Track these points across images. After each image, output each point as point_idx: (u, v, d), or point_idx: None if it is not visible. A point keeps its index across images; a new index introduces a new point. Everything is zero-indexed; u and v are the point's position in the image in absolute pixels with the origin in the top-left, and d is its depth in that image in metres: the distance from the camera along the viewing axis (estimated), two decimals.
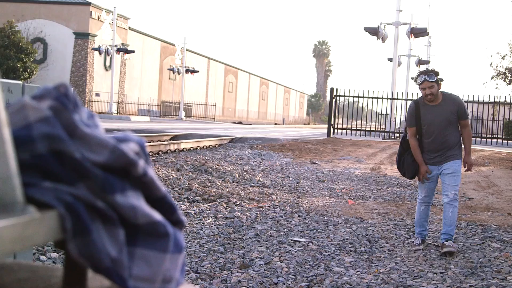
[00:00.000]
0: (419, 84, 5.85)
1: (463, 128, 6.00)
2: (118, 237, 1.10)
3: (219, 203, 7.79)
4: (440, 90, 5.95)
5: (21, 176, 0.99)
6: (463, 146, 6.09)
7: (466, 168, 6.07)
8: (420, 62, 40.34)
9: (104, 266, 1.07)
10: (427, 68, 5.79)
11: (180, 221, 1.27)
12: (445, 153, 5.93)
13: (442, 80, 6.20)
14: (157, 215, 1.17)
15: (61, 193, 1.04)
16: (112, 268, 1.08)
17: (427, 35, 35.72)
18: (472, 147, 6.30)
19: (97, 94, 47.07)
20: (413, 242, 6.16)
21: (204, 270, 4.87)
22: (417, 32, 31.08)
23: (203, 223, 6.58)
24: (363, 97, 25.86)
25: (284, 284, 4.62)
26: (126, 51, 41.57)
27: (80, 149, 1.09)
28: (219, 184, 9.27)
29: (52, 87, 1.17)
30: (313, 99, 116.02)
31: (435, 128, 5.90)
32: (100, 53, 40.86)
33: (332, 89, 25.88)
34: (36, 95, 1.15)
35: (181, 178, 9.30)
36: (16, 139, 1.03)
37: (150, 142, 15.95)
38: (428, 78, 5.78)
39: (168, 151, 14.98)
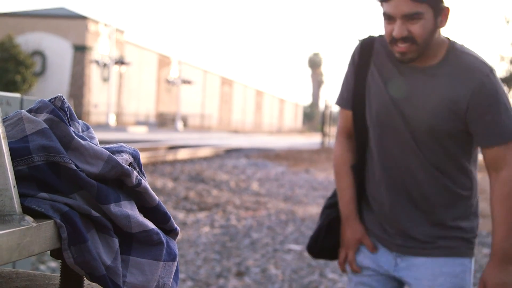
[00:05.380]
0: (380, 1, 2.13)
1: (493, 171, 2.17)
2: (112, 246, 1.13)
3: (215, 212, 7.82)
4: (440, 36, 2.17)
5: (18, 187, 1.02)
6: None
7: None
8: None
9: (99, 274, 1.10)
10: None
11: (174, 230, 1.30)
12: (417, 223, 2.23)
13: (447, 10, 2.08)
14: (150, 224, 1.20)
15: (57, 203, 1.07)
16: (107, 276, 1.11)
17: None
18: None
19: (95, 106, 47.16)
20: None
21: (200, 278, 4.89)
22: None
23: (199, 232, 6.60)
24: None
25: None
26: (123, 63, 41.71)
27: (75, 161, 1.12)
28: (215, 193, 9.30)
29: (48, 100, 1.20)
30: (308, 109, 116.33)
31: (397, 133, 2.22)
32: (98, 65, 41.01)
33: (325, 100, 26.34)
34: (33, 108, 1.19)
35: (178, 187, 9.33)
36: (14, 151, 1.07)
37: (147, 152, 15.96)
38: None
39: (165, 162, 14.99)
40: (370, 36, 2.37)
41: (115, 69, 43.92)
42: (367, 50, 2.32)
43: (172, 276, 1.27)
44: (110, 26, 43.47)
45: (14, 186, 1.00)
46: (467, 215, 2.26)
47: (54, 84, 45.05)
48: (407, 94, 2.20)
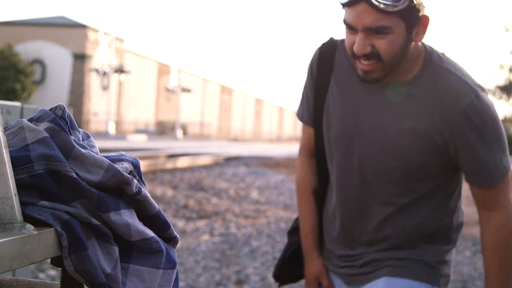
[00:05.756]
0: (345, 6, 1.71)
1: (483, 208, 1.86)
2: (112, 254, 1.14)
3: (215, 220, 7.82)
4: (420, 43, 1.78)
5: (19, 195, 1.03)
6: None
7: None
8: None
9: (99, 282, 1.10)
10: None
11: (174, 238, 1.31)
12: (373, 250, 1.91)
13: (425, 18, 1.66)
14: (150, 232, 1.21)
15: (58, 211, 1.08)
16: (107, 283, 1.12)
17: None
18: None
19: (95, 114, 47.26)
20: None
21: (200, 286, 4.89)
22: None
23: (199, 240, 6.60)
24: None
25: None
26: (123, 72, 41.90)
27: (76, 169, 1.13)
28: (214, 201, 9.30)
29: (49, 109, 1.21)
30: None
31: (357, 165, 1.86)
32: (97, 74, 41.21)
33: None
34: (34, 117, 1.20)
35: (178, 196, 9.33)
36: (15, 159, 1.08)
37: (146, 161, 15.97)
38: None
39: (165, 170, 15.00)
40: (331, 40, 1.95)
41: (114, 77, 44.08)
42: (327, 59, 1.92)
43: (172, 284, 1.27)
44: (109, 34, 43.67)
45: (15, 195, 1.01)
46: (436, 242, 1.89)
47: (54, 93, 45.15)
48: (373, 119, 1.81)
